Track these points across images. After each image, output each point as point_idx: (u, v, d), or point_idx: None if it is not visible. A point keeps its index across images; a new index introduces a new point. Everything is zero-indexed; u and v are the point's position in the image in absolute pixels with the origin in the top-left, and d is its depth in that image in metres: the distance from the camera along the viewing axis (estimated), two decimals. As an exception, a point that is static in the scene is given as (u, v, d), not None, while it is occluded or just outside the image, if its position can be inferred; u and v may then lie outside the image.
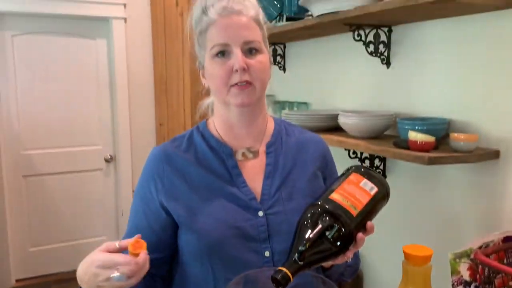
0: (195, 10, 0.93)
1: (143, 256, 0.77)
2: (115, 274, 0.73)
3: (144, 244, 0.78)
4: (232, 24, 0.87)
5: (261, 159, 0.97)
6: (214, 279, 0.89)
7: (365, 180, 0.79)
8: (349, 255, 0.76)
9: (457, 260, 0.99)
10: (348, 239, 0.73)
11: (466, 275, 0.98)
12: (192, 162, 0.94)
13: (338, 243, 0.72)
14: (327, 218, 0.73)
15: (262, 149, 0.98)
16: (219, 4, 0.89)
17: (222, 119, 0.97)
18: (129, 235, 0.97)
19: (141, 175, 0.98)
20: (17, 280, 3.15)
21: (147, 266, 0.78)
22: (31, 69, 3.05)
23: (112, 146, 3.37)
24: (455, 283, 0.98)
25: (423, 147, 1.25)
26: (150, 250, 0.95)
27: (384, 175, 1.68)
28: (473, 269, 0.99)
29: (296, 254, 0.71)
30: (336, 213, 0.73)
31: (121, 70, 3.25)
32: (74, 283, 0.85)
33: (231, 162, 0.95)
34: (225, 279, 0.88)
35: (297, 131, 1.05)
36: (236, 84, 0.88)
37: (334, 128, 1.70)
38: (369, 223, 0.77)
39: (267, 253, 0.89)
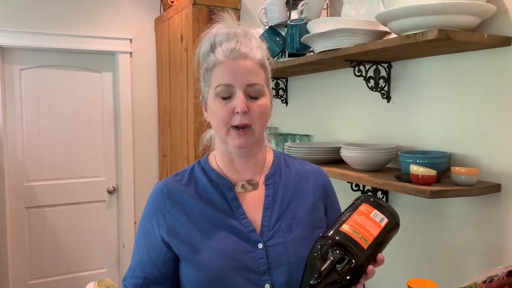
0: (204, 43, 0.96)
1: None
2: None
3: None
4: (237, 67, 0.90)
5: (261, 191, 0.99)
6: None
7: (375, 211, 0.80)
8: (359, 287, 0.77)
9: (462, 294, 0.98)
10: (358, 272, 0.74)
11: (471, 309, 0.98)
12: (192, 196, 0.96)
13: (349, 277, 0.73)
14: (337, 251, 0.74)
15: (261, 181, 1.00)
16: (227, 45, 0.92)
17: (222, 153, 1.00)
18: (132, 269, 0.98)
19: (144, 210, 1.00)
20: (16, 314, 3.11)
21: None
22: (38, 102, 3.11)
23: (115, 177, 3.39)
24: (460, 318, 0.97)
25: (424, 181, 1.26)
26: (153, 283, 0.96)
27: (387, 208, 1.69)
28: (478, 304, 0.98)
29: None
30: (347, 246, 0.74)
31: (125, 103, 3.31)
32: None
33: (230, 195, 0.97)
34: None
35: (297, 162, 1.08)
36: (236, 127, 0.91)
37: (336, 160, 1.72)
38: (379, 255, 0.78)
39: (267, 286, 0.90)
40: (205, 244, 0.91)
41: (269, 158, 1.05)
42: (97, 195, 3.34)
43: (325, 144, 1.89)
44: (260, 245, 0.92)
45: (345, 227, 0.77)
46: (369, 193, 1.68)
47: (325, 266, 0.72)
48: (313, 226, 0.96)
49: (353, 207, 0.83)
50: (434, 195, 1.21)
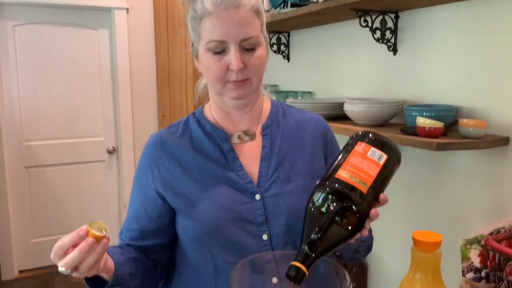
0: None
1: (88, 242, 0.69)
2: (60, 267, 0.68)
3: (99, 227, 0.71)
4: (229, 20, 0.81)
5: (257, 142, 0.95)
6: (214, 263, 0.89)
7: (372, 149, 0.73)
8: (364, 233, 0.72)
9: (468, 246, 0.96)
10: (361, 219, 0.69)
11: (476, 261, 0.96)
12: (187, 147, 0.93)
13: (351, 226, 0.69)
14: (335, 201, 0.69)
15: (258, 131, 0.96)
16: None
17: (217, 105, 0.95)
18: (128, 222, 0.96)
19: (138, 163, 0.98)
20: (20, 271, 3.15)
21: (94, 257, 0.71)
22: (33, 59, 3.03)
23: (115, 137, 3.36)
24: (465, 270, 0.96)
25: (431, 133, 1.23)
26: (149, 236, 0.94)
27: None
28: (484, 256, 0.97)
29: (308, 246, 0.67)
30: (345, 194, 0.68)
31: (123, 61, 3.22)
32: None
33: (226, 146, 0.93)
34: (224, 263, 0.88)
35: (295, 111, 1.03)
36: (233, 80, 0.85)
37: (340, 116, 1.67)
38: (382, 196, 0.72)
39: (265, 237, 0.88)
40: (201, 196, 0.88)
41: (266, 107, 1.00)
42: (96, 155, 3.31)
43: (328, 99, 1.84)
44: (257, 196, 0.89)
45: (341, 173, 0.70)
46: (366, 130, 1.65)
47: (324, 219, 0.67)
48: (312, 175, 0.93)
49: (348, 147, 0.75)
50: (441, 147, 1.17)
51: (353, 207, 0.68)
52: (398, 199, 1.61)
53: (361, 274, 1.90)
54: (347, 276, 0.68)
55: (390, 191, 0.77)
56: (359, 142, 0.75)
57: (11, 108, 3.01)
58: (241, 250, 0.86)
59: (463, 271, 0.96)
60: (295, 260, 0.67)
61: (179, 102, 2.90)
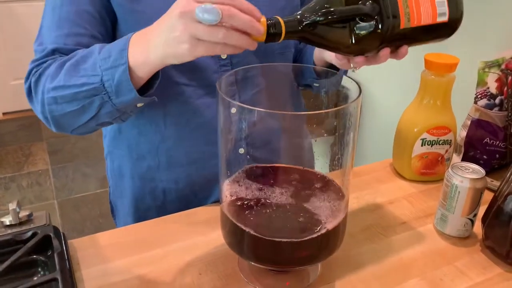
0: None
1: None
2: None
3: None
4: None
5: None
6: (161, 85, 0.67)
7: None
8: (358, 62, 0.59)
9: (486, 70, 0.85)
10: (371, 45, 0.56)
11: (493, 87, 0.85)
12: None
13: (359, 42, 0.55)
14: (368, 6, 0.53)
15: None
16: None
17: None
18: (68, 26, 0.74)
19: None
20: (4, 113, 3.09)
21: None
22: None
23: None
24: (479, 96, 0.86)
25: None
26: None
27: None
28: (501, 82, 0.86)
29: (301, 17, 0.53)
30: (384, 9, 0.53)
31: None
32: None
33: None
34: (173, 84, 0.73)
35: None
36: None
37: None
38: (403, 49, 0.59)
39: (224, 55, 0.73)
40: None
41: None
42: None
43: None
44: None
45: None
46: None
47: (338, 10, 0.52)
48: None
49: None
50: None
51: (377, 28, 0.54)
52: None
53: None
54: (356, 86, 0.56)
55: None
56: None
57: None
58: (193, 69, 0.72)
59: (476, 97, 0.86)
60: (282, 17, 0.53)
61: None
